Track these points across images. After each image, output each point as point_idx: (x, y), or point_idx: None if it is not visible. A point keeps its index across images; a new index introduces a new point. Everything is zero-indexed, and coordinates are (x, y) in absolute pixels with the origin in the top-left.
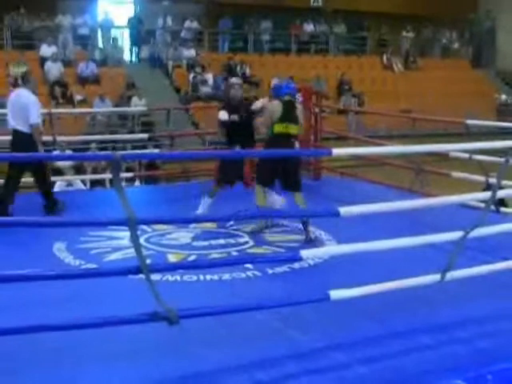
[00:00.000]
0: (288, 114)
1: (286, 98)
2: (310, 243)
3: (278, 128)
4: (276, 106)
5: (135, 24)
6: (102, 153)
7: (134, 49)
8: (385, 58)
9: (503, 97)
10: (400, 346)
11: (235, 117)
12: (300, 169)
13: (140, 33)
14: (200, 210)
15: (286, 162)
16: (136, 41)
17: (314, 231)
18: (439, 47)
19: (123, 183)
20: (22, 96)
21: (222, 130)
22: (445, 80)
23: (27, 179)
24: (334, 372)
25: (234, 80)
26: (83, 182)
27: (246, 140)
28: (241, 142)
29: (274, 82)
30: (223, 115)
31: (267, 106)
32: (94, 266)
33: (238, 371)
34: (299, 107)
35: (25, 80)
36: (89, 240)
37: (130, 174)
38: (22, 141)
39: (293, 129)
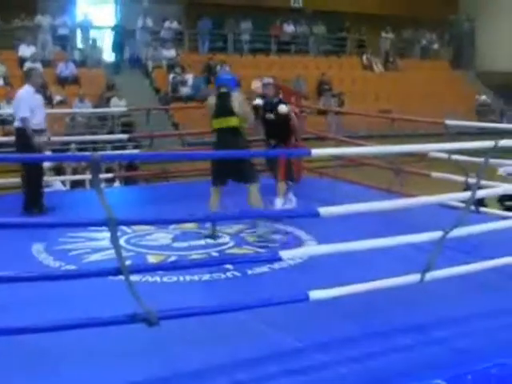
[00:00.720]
0: (221, 108)
1: (222, 90)
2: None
3: (215, 124)
4: (210, 101)
5: (117, 24)
6: (82, 154)
7: (115, 49)
8: (365, 58)
9: (482, 97)
10: (380, 347)
11: (271, 115)
12: (248, 160)
13: (120, 33)
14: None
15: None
16: (117, 41)
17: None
18: (419, 48)
19: (103, 184)
20: (17, 93)
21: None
22: (424, 81)
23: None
24: (314, 372)
25: (265, 80)
26: (63, 182)
27: (278, 138)
28: (274, 139)
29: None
30: (259, 101)
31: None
32: (74, 267)
33: (218, 372)
34: (236, 96)
35: (27, 76)
36: (68, 241)
37: (109, 175)
38: (17, 136)
39: (230, 121)
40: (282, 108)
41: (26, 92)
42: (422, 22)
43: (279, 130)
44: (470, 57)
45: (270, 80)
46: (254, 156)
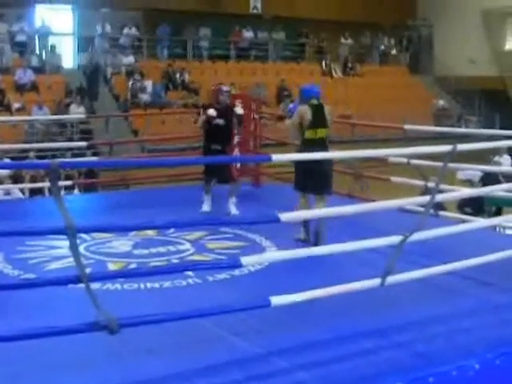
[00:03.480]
0: (319, 119)
1: (314, 101)
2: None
3: (310, 134)
4: (304, 111)
5: (76, 31)
6: (40, 161)
7: (75, 55)
8: (324, 64)
9: (440, 102)
10: (342, 351)
11: (221, 121)
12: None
13: (79, 40)
14: (205, 208)
15: (319, 165)
16: (77, 48)
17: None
18: (377, 54)
19: (62, 191)
20: None
21: (203, 127)
22: (383, 86)
23: None
24: (276, 378)
25: (224, 88)
26: (22, 190)
27: (225, 142)
28: (220, 143)
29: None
30: (213, 112)
31: (298, 111)
32: (34, 275)
33: (180, 379)
34: (328, 109)
35: None
36: (27, 250)
37: (69, 182)
38: None
39: (324, 132)
40: (238, 110)
41: None
42: (380, 27)
43: (226, 135)
44: (427, 62)
45: (229, 88)
46: (239, 161)
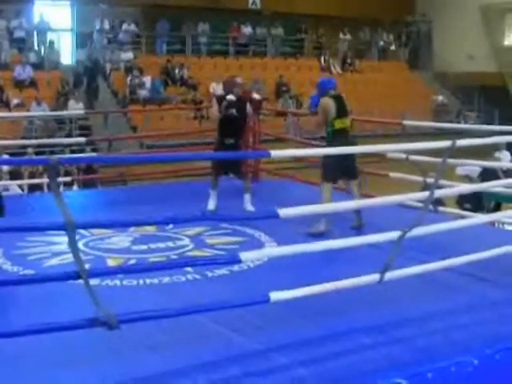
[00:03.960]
0: (342, 109)
1: (333, 92)
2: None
3: (338, 124)
4: (328, 102)
5: (75, 26)
6: (39, 157)
7: (74, 51)
8: (322, 60)
9: (439, 98)
10: (341, 347)
11: (235, 112)
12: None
13: (78, 36)
14: (210, 206)
15: (347, 155)
16: (75, 43)
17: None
18: (376, 49)
19: (61, 187)
20: None
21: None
22: (382, 82)
23: None
24: (275, 374)
25: (238, 79)
26: (20, 186)
27: (238, 135)
28: (233, 136)
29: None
30: (232, 97)
31: (322, 104)
32: (33, 271)
33: (179, 375)
34: (346, 99)
35: None
36: (26, 245)
37: (67, 179)
38: None
39: (347, 121)
40: (256, 95)
41: None
42: (379, 23)
43: (239, 128)
44: (427, 58)
45: (243, 81)
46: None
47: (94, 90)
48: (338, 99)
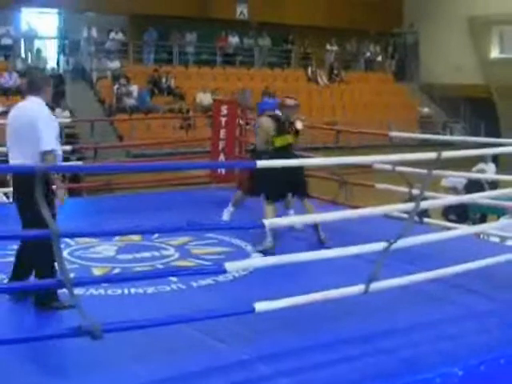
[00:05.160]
0: (282, 126)
1: (269, 112)
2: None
3: (278, 142)
4: (267, 122)
5: (62, 35)
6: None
7: (61, 59)
8: (309, 70)
9: (425, 110)
10: (325, 358)
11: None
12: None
13: (65, 44)
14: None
15: (295, 172)
16: (62, 51)
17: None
18: (363, 60)
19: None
20: (28, 109)
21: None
22: (369, 93)
23: None
24: None
25: (291, 101)
26: (6, 195)
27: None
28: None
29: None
30: (300, 125)
31: (259, 123)
32: None
33: None
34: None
35: (33, 85)
36: (10, 254)
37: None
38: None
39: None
40: (299, 125)
41: (46, 109)
42: (366, 34)
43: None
44: (413, 69)
45: (296, 102)
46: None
47: (60, 94)
48: (275, 118)
